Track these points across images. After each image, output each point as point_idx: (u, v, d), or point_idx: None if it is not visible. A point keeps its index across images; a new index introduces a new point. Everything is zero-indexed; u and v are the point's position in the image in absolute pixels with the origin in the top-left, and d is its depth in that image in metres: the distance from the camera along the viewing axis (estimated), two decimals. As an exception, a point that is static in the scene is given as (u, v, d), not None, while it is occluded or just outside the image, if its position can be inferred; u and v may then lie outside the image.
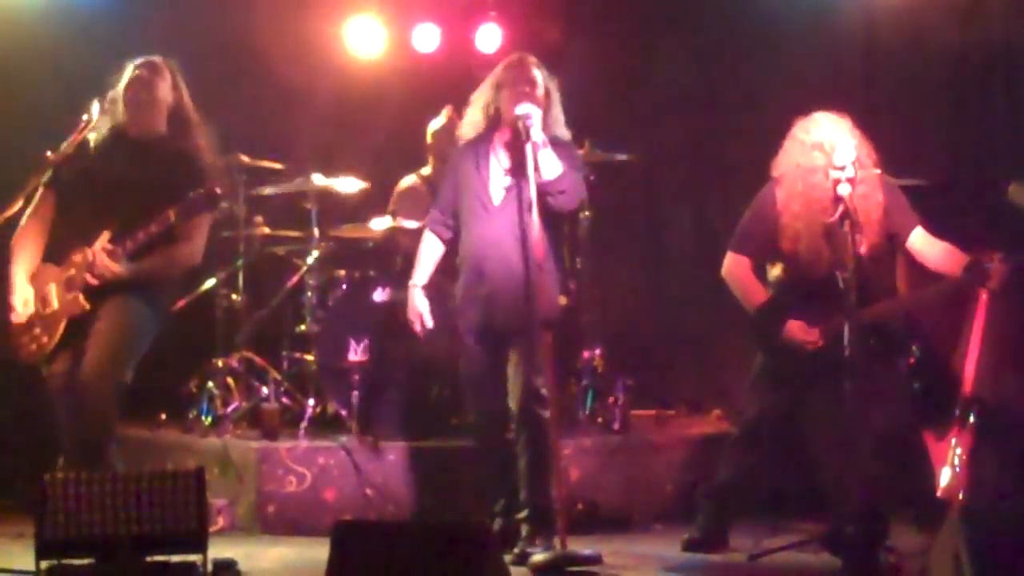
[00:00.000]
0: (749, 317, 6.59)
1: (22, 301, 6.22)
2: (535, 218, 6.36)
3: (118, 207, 6.15)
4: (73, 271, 6.16)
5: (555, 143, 6.52)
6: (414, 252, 8.00)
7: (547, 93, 6.59)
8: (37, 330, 6.23)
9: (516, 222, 6.48)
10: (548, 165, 6.42)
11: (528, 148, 6.38)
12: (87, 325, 6.18)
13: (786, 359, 6.44)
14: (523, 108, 6.44)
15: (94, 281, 6.09)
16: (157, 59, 6.39)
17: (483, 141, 6.66)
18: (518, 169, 6.50)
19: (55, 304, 6.20)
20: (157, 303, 6.36)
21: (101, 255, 6.05)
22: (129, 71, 6.34)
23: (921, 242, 6.43)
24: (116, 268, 6.08)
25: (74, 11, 8.38)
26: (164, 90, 6.33)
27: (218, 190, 6.15)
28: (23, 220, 6.32)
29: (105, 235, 6.10)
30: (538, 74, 6.59)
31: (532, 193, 6.36)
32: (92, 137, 6.27)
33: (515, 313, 6.45)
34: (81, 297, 6.14)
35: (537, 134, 6.40)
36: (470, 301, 6.60)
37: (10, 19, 8.33)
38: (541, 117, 6.47)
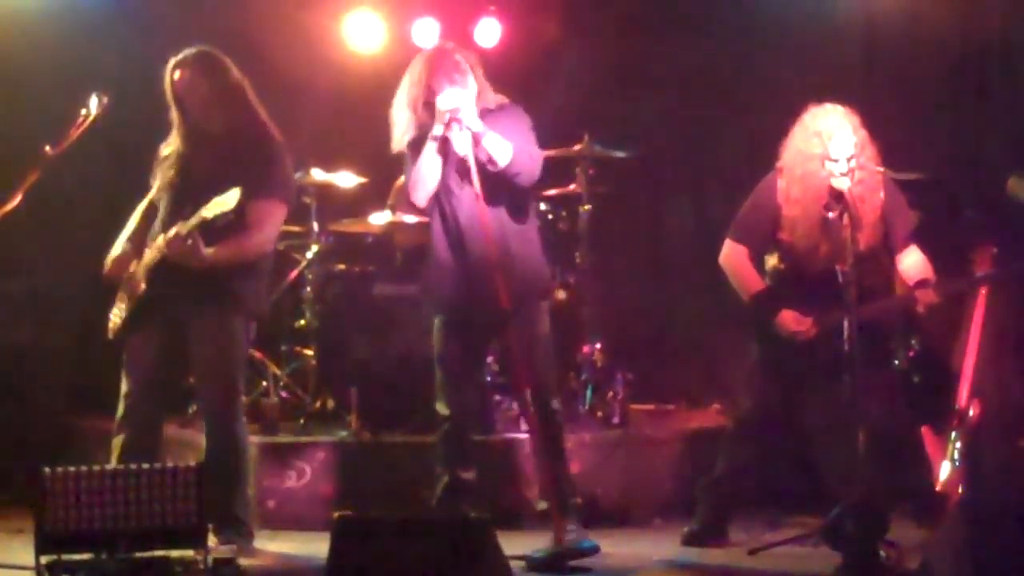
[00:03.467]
0: (745, 307, 6.60)
1: (112, 254, 6.44)
2: (481, 206, 6.28)
3: (191, 200, 6.22)
4: (154, 254, 6.30)
5: (496, 113, 6.44)
6: (413, 247, 8.04)
7: (471, 71, 6.46)
8: (123, 304, 6.42)
9: (474, 211, 6.36)
10: (497, 151, 6.31)
11: (463, 141, 6.28)
12: (187, 332, 6.36)
13: (780, 350, 6.44)
14: (447, 101, 6.28)
15: (169, 256, 6.22)
16: (192, 52, 6.43)
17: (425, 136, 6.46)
18: (462, 163, 6.35)
19: (134, 277, 6.37)
20: (247, 305, 6.45)
21: (176, 238, 6.14)
22: (168, 70, 6.41)
23: (903, 256, 6.44)
24: (190, 247, 6.13)
25: (76, 8, 8.37)
26: (206, 81, 6.38)
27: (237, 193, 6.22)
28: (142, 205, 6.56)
29: (180, 224, 6.19)
30: (459, 57, 6.47)
31: (476, 186, 6.27)
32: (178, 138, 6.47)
33: (495, 299, 6.31)
34: (143, 278, 6.31)
35: (474, 123, 6.29)
36: (447, 281, 6.52)
37: (12, 16, 8.33)
38: (473, 100, 6.34)
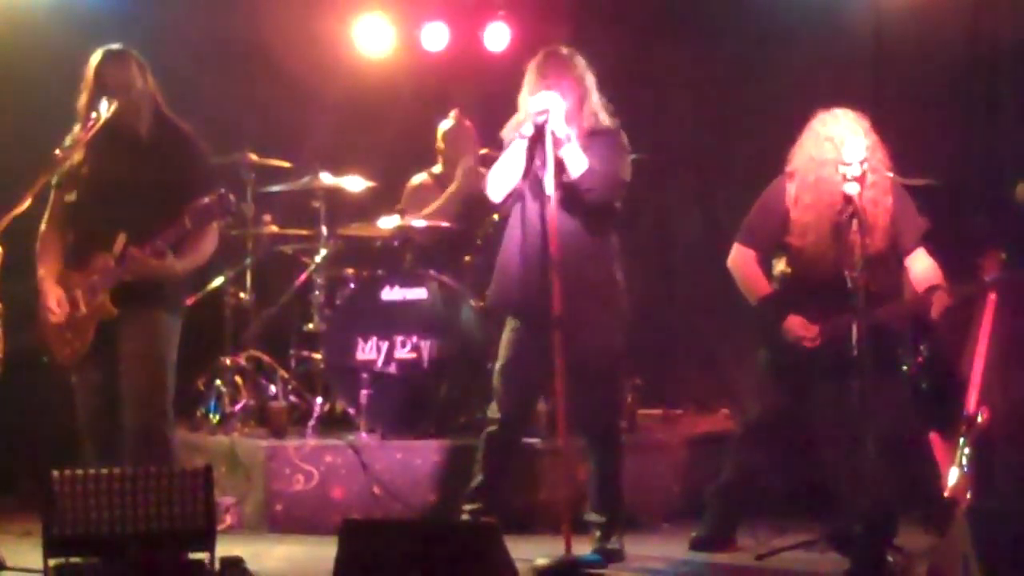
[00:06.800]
0: (753, 311, 6.60)
1: (55, 301, 6.20)
2: (552, 213, 6.29)
3: (128, 210, 6.12)
4: (96, 276, 6.13)
5: (594, 133, 6.47)
6: (422, 250, 8.05)
7: (578, 84, 6.49)
8: (69, 334, 6.21)
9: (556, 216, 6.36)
10: (571, 162, 6.34)
11: (548, 145, 6.31)
12: (116, 336, 6.19)
13: (788, 355, 6.44)
14: (537, 103, 6.34)
15: (128, 278, 6.05)
16: (121, 48, 6.29)
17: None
18: (542, 166, 6.41)
19: (83, 309, 6.17)
20: (178, 306, 6.36)
21: (140, 253, 6.01)
22: (98, 62, 6.23)
23: (912, 260, 6.45)
24: (155, 263, 6.04)
25: (81, 9, 8.39)
26: (139, 79, 6.25)
27: (231, 196, 6.16)
28: (42, 226, 6.32)
29: (122, 238, 6.07)
30: (568, 66, 6.50)
31: (549, 189, 6.31)
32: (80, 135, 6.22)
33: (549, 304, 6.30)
34: (108, 301, 6.12)
35: (558, 128, 6.32)
36: (513, 283, 6.54)
37: (17, 18, 8.35)
38: (564, 110, 6.35)
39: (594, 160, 6.38)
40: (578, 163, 6.36)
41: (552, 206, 6.31)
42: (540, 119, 6.31)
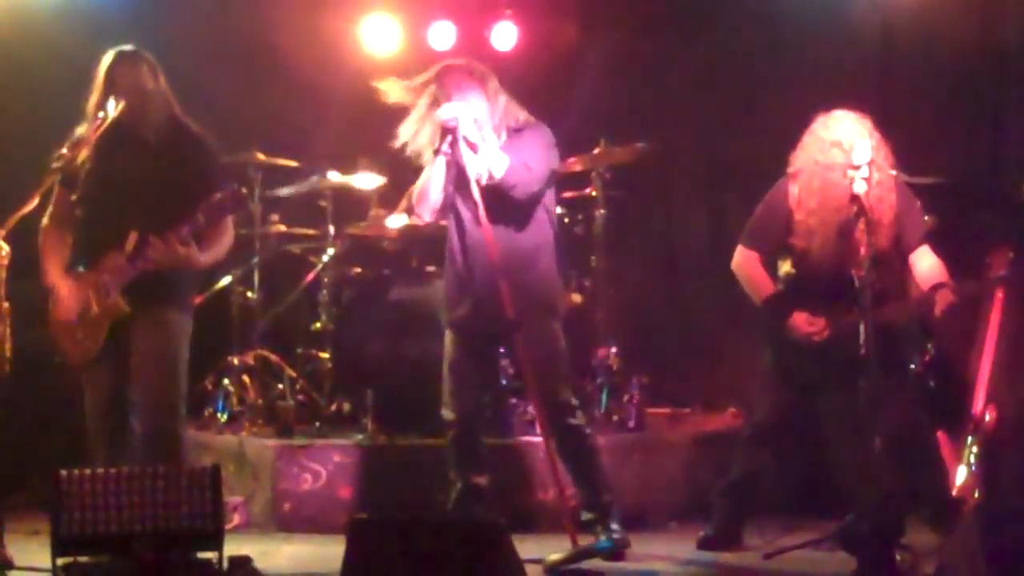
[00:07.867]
0: (758, 312, 6.60)
1: (67, 293, 6.20)
2: (483, 219, 6.32)
3: (139, 209, 6.13)
4: (108, 275, 6.12)
5: (517, 129, 6.50)
6: (430, 249, 8.04)
7: (483, 87, 6.51)
8: (80, 334, 6.21)
9: (478, 224, 6.41)
10: (492, 164, 6.36)
11: (465, 153, 6.35)
12: (129, 336, 6.18)
13: (793, 355, 6.44)
14: (444, 113, 6.36)
15: (152, 266, 6.05)
16: (134, 49, 6.30)
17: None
18: (461, 175, 6.43)
19: (95, 308, 6.16)
20: (188, 305, 6.36)
21: (167, 240, 6.01)
22: (110, 63, 6.25)
23: (917, 258, 6.44)
24: (182, 252, 6.05)
25: (89, 9, 8.40)
26: (151, 80, 6.27)
27: (244, 190, 6.17)
28: (44, 222, 6.32)
29: (133, 236, 6.08)
30: (466, 73, 6.52)
31: (477, 198, 6.34)
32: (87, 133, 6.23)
33: (498, 312, 6.36)
34: (121, 300, 6.13)
35: (470, 135, 6.36)
36: (456, 292, 6.59)
37: (25, 17, 8.35)
38: (474, 117, 6.39)
39: (517, 156, 6.41)
40: (498, 163, 6.38)
41: (482, 213, 6.33)
42: (451, 128, 6.33)
